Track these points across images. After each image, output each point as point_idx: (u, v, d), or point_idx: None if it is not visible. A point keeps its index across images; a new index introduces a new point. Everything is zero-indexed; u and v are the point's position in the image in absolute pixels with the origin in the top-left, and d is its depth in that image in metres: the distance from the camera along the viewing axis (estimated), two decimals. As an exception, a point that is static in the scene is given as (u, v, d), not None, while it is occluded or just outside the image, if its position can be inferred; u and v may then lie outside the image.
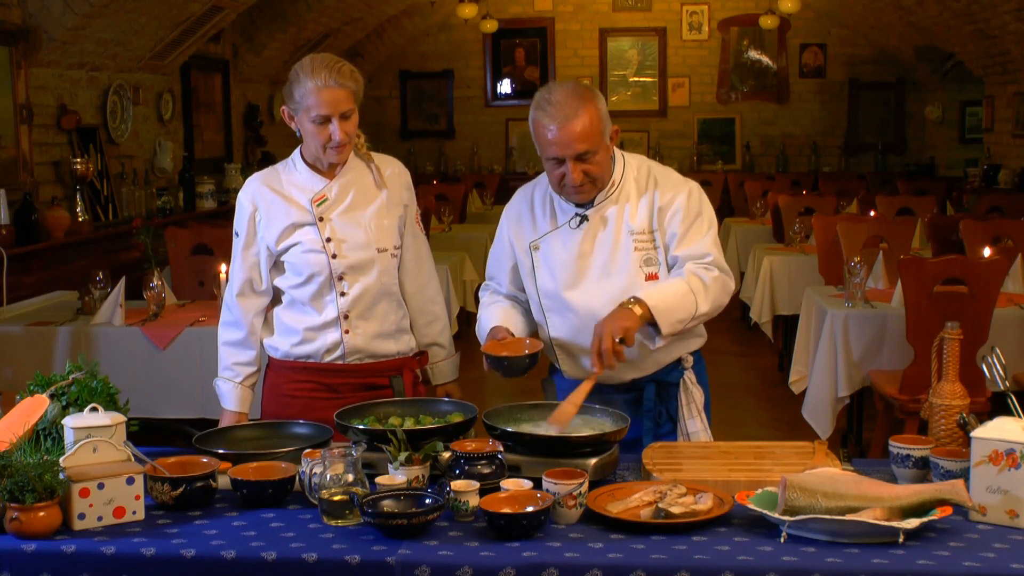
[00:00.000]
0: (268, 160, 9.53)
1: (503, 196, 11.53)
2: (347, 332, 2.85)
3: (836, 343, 4.58)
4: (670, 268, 2.76)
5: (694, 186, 2.82)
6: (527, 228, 2.84)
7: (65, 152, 6.32)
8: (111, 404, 2.38)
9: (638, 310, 2.60)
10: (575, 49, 12.30)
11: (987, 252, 5.11)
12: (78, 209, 6.16)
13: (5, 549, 2.04)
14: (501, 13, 11.94)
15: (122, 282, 4.55)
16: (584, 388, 2.55)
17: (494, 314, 2.85)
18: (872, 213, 7.13)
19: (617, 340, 2.54)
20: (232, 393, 2.90)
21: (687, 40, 12.20)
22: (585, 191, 2.71)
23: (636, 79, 12.29)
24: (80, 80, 6.55)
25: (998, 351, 2.50)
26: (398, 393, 2.83)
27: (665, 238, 2.75)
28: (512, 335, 2.75)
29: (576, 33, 12.28)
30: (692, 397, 2.83)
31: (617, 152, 2.79)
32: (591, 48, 12.28)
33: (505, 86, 12.45)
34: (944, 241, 6.18)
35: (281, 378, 2.91)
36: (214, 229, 5.63)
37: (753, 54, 12.19)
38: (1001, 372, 2.46)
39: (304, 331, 2.86)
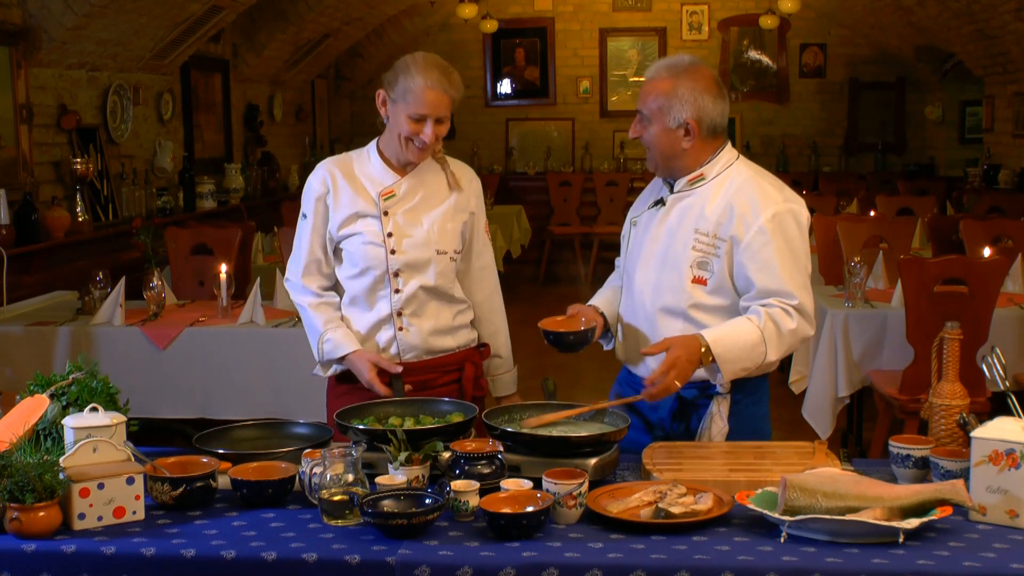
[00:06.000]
0: (268, 160, 9.52)
1: (503, 196, 11.55)
2: (400, 329, 2.84)
3: (836, 343, 4.58)
4: (742, 294, 2.63)
5: (789, 209, 2.60)
6: (639, 206, 2.87)
7: (65, 152, 6.32)
8: (111, 404, 2.38)
9: (701, 347, 2.53)
10: (575, 49, 12.30)
11: (987, 252, 5.11)
12: (78, 209, 6.15)
13: (5, 549, 2.04)
14: (501, 13, 11.94)
15: (122, 282, 4.56)
16: (609, 403, 2.60)
17: (600, 294, 2.92)
18: (872, 213, 7.12)
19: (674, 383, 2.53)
20: (348, 336, 2.83)
21: (687, 40, 12.19)
22: (646, 156, 2.74)
23: (636, 79, 12.28)
24: (80, 80, 6.54)
25: (998, 351, 2.50)
26: (398, 393, 2.82)
27: (734, 255, 2.60)
28: (602, 315, 2.80)
29: (576, 33, 12.28)
30: (712, 425, 2.65)
31: (728, 152, 2.70)
32: (591, 48, 12.28)
33: (505, 86, 12.44)
34: (944, 241, 6.18)
35: (346, 374, 2.89)
36: (214, 229, 5.64)
37: (753, 54, 12.19)
38: (1001, 372, 2.46)
39: (362, 329, 2.86)
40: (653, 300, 2.70)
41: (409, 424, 2.50)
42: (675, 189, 2.72)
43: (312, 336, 2.89)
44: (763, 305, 2.58)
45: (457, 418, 2.51)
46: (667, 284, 2.68)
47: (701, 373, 2.61)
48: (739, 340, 2.55)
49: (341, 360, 2.85)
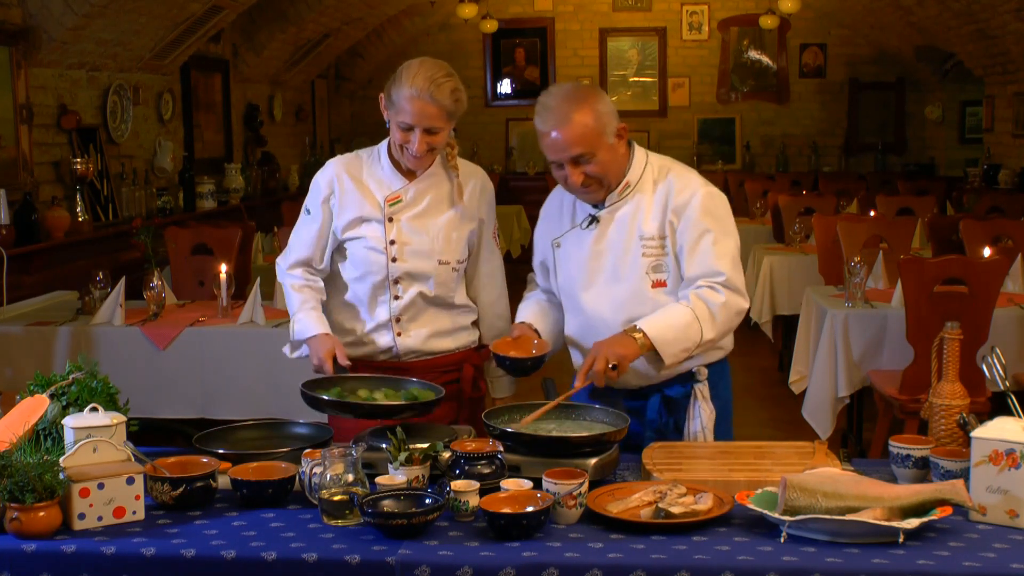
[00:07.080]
0: (268, 160, 9.52)
1: (503, 196, 11.51)
2: (399, 335, 2.85)
3: (836, 343, 4.58)
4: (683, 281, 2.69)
5: (712, 191, 2.70)
6: (554, 224, 2.84)
7: (65, 152, 6.32)
8: (111, 404, 2.38)
9: (640, 339, 2.58)
10: (575, 49, 12.30)
11: (987, 252, 5.11)
12: (78, 209, 6.15)
13: (5, 549, 2.04)
14: (501, 13, 11.94)
15: (122, 282, 4.55)
16: (561, 399, 2.59)
17: (526, 309, 2.89)
18: (872, 213, 7.12)
19: (610, 366, 2.54)
20: (320, 320, 2.80)
21: (687, 40, 12.20)
22: (591, 191, 2.68)
23: (636, 79, 12.28)
24: (80, 80, 6.54)
25: (998, 351, 2.50)
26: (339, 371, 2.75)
27: (676, 247, 2.67)
28: (536, 332, 2.78)
29: (576, 33, 12.28)
30: (700, 412, 2.72)
31: (639, 152, 2.73)
32: (591, 48, 12.28)
33: (505, 86, 12.44)
34: (944, 241, 6.18)
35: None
36: (214, 229, 5.63)
37: (753, 54, 12.19)
38: (1001, 372, 2.46)
39: (358, 334, 2.86)
40: (614, 315, 2.69)
41: (379, 398, 2.50)
42: (606, 203, 2.71)
43: (290, 315, 2.89)
44: (692, 289, 2.65)
45: (426, 396, 2.51)
46: (627, 296, 2.69)
47: (660, 371, 2.66)
48: (672, 322, 2.60)
49: (306, 341, 2.81)
